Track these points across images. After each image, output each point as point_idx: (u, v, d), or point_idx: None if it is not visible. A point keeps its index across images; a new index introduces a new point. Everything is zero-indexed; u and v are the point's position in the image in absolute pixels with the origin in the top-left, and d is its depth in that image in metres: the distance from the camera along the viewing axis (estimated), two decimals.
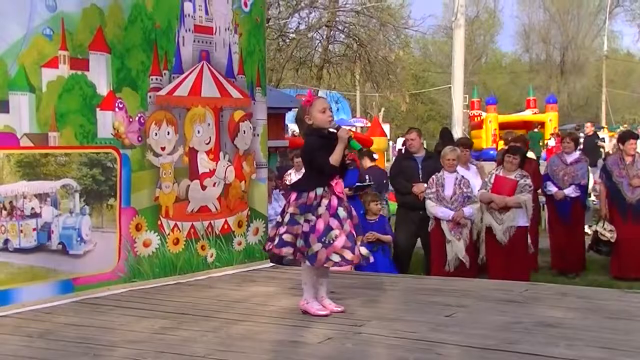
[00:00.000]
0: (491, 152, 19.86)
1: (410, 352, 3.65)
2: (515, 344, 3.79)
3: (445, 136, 9.61)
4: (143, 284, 5.45)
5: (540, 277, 7.55)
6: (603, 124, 34.95)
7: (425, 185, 7.26)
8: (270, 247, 4.54)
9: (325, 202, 4.41)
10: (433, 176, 7.16)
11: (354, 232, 4.45)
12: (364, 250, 4.50)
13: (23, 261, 4.80)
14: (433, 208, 7.05)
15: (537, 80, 44.62)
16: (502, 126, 21.23)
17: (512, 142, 8.64)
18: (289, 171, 9.36)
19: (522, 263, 7.10)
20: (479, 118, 22.73)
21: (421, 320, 4.34)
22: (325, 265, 4.40)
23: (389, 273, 6.80)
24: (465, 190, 7.01)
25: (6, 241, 4.72)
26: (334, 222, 4.38)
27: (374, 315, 4.49)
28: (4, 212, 4.72)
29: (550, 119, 22.18)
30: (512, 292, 5.19)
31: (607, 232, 8.26)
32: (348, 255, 4.37)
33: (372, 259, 4.66)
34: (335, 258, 4.36)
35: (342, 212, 4.44)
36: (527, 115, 23.07)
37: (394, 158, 9.61)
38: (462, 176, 7.19)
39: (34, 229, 4.87)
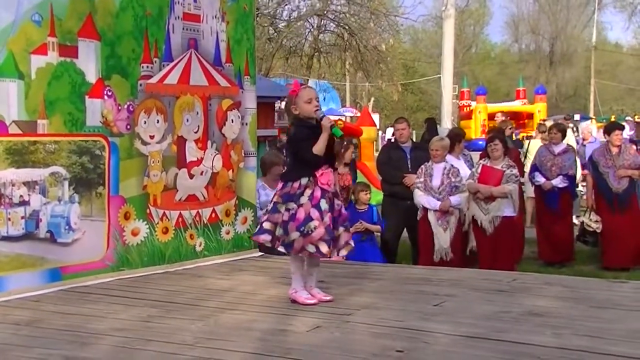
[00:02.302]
0: (480, 142, 19.88)
1: (398, 341, 3.67)
2: (503, 332, 3.82)
3: (431, 126, 9.63)
4: (131, 272, 5.44)
5: (527, 267, 7.60)
6: (591, 114, 35.08)
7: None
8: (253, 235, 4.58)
9: (308, 192, 4.42)
10: (422, 166, 7.17)
11: (332, 226, 4.44)
12: (343, 253, 4.58)
13: (11, 249, 4.78)
14: (420, 198, 7.07)
15: (526, 71, 44.68)
16: (492, 117, 21.26)
17: (490, 132, 8.70)
18: None
19: (509, 253, 7.14)
20: (468, 108, 22.74)
21: (409, 310, 4.37)
22: (300, 254, 4.43)
23: (377, 263, 6.82)
24: (453, 179, 7.02)
25: None
26: (314, 213, 4.39)
27: (363, 304, 4.50)
28: None
29: (539, 109, 22.22)
30: (500, 281, 5.22)
31: (593, 222, 8.32)
32: (323, 248, 4.38)
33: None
34: (311, 249, 4.38)
35: (324, 204, 4.43)
36: (516, 105, 23.09)
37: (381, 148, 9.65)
38: (452, 165, 7.20)
39: (22, 217, 4.85)
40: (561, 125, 9.54)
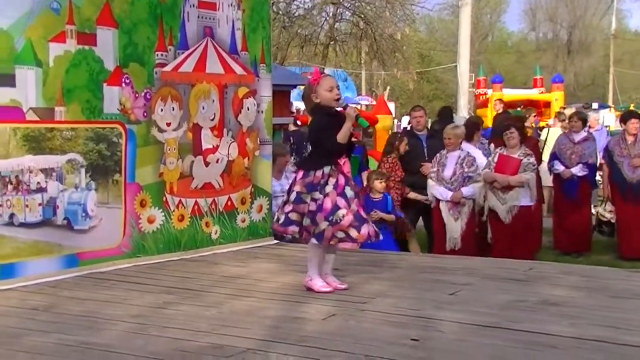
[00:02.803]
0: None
1: (413, 330, 3.67)
2: (518, 322, 3.80)
3: (444, 115, 9.57)
4: (147, 259, 5.47)
5: (544, 257, 7.56)
6: (610, 103, 34.76)
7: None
8: (276, 225, 4.55)
9: (332, 180, 4.41)
10: (437, 155, 7.13)
11: (361, 212, 4.45)
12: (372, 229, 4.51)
13: (28, 236, 4.82)
14: (432, 188, 7.04)
15: (543, 60, 44.30)
16: (508, 105, 21.12)
17: (506, 122, 8.64)
18: None
19: (526, 243, 7.10)
20: (484, 97, 22.60)
21: (424, 298, 4.36)
22: (331, 242, 4.42)
23: (392, 251, 6.81)
24: (467, 169, 6.96)
25: (12, 215, 4.74)
26: (341, 202, 4.39)
27: (378, 293, 4.50)
28: (10, 187, 4.73)
29: (556, 98, 22.05)
30: (517, 271, 5.20)
31: (607, 212, 8.27)
32: (353, 233, 4.38)
33: (381, 237, 4.67)
34: (340, 235, 4.38)
35: (349, 191, 4.44)
36: (534, 94, 22.92)
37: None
38: (468, 153, 7.13)
39: (40, 204, 4.88)
40: (582, 113, 9.47)
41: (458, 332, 3.65)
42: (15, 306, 4.23)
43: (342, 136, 4.39)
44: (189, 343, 3.47)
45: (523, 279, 4.94)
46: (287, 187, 4.74)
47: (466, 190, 6.93)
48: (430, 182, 7.06)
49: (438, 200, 7.05)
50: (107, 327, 3.77)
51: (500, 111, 13.81)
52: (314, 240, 4.41)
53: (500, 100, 16.46)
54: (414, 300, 4.32)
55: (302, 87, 4.72)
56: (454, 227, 6.92)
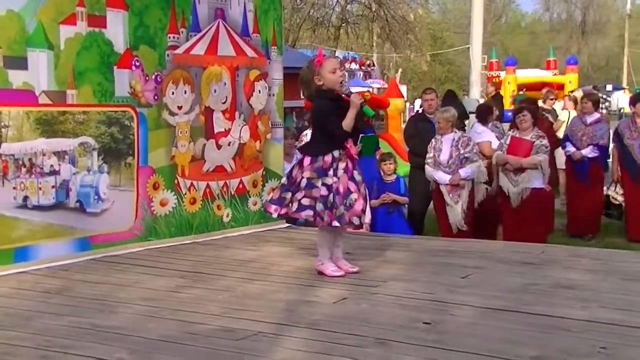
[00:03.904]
0: (509, 113, 19.65)
1: (425, 313, 3.67)
2: (531, 305, 3.79)
3: (448, 99, 9.51)
4: (159, 242, 5.48)
5: (555, 239, 7.52)
6: (624, 84, 34.47)
7: None
8: (286, 211, 4.51)
9: (342, 165, 4.41)
10: (432, 140, 7.10)
11: (367, 196, 4.50)
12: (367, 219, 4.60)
13: (42, 218, 4.84)
14: (430, 172, 7.03)
15: (557, 41, 43.94)
16: (521, 87, 20.97)
17: (519, 104, 8.60)
18: (305, 132, 9.31)
19: (538, 225, 7.06)
20: (497, 79, 22.46)
21: (436, 282, 4.35)
22: (348, 227, 4.46)
23: (404, 234, 6.80)
24: (462, 150, 6.91)
25: (25, 198, 4.76)
26: (352, 186, 4.41)
27: (389, 276, 4.50)
28: (23, 169, 4.74)
29: (570, 80, 21.88)
30: (529, 254, 5.18)
31: (620, 195, 8.21)
32: (365, 218, 4.41)
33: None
34: (356, 221, 4.41)
35: (357, 175, 4.46)
36: (547, 76, 22.75)
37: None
38: (462, 135, 7.09)
39: (53, 187, 4.90)
40: (593, 94, 9.37)
41: (470, 316, 3.65)
42: (29, 289, 4.26)
43: (347, 123, 4.36)
44: (201, 326, 3.49)
45: (535, 262, 4.92)
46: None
47: (464, 172, 6.89)
48: (427, 167, 7.04)
49: (437, 184, 7.03)
50: (120, 310, 3.79)
51: (493, 94, 13.72)
52: (335, 223, 4.38)
53: (492, 82, 16.34)
54: (426, 283, 4.31)
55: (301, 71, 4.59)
56: (456, 209, 6.91)
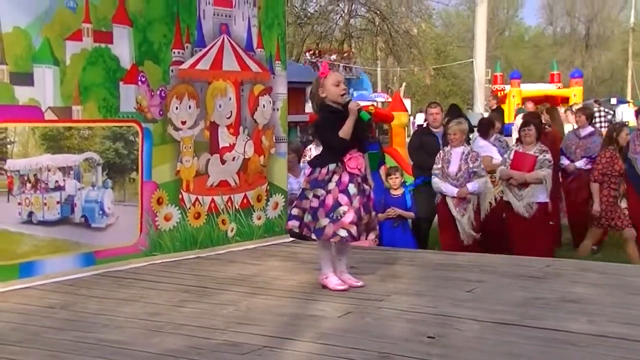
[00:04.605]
0: (512, 127, 19.64)
1: (429, 327, 3.66)
2: (536, 319, 3.78)
3: (453, 112, 9.52)
4: (164, 257, 5.49)
5: (561, 253, 7.50)
6: (628, 98, 34.46)
7: None
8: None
9: (336, 177, 4.41)
10: (440, 151, 7.11)
11: (362, 210, 4.42)
12: (372, 236, 4.56)
13: (46, 234, 4.85)
14: (438, 184, 7.02)
15: (560, 54, 44.03)
16: (526, 101, 21.02)
17: (524, 118, 8.60)
18: (309, 146, 9.33)
19: (544, 239, 7.04)
20: (502, 93, 22.48)
21: (441, 296, 4.34)
22: (332, 239, 4.41)
23: (409, 248, 6.79)
24: (471, 165, 6.91)
25: (30, 214, 4.78)
26: (343, 199, 4.37)
27: (394, 290, 4.49)
28: (29, 185, 4.76)
29: (575, 93, 21.89)
30: (533, 267, 5.16)
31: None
32: (354, 231, 4.37)
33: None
34: (343, 233, 4.36)
35: (352, 188, 4.41)
36: (552, 89, 22.76)
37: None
38: (471, 149, 7.10)
39: (58, 202, 4.92)
40: (587, 109, 9.44)
41: (475, 330, 3.64)
42: (34, 304, 4.26)
43: (344, 132, 4.38)
44: (205, 341, 3.49)
45: (540, 276, 4.91)
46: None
47: (472, 186, 6.89)
48: (435, 178, 7.03)
49: (443, 196, 7.02)
50: (124, 325, 3.79)
51: (494, 107, 13.71)
52: (313, 236, 4.42)
53: (495, 96, 16.36)
54: (430, 297, 4.30)
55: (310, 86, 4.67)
56: (464, 222, 6.90)
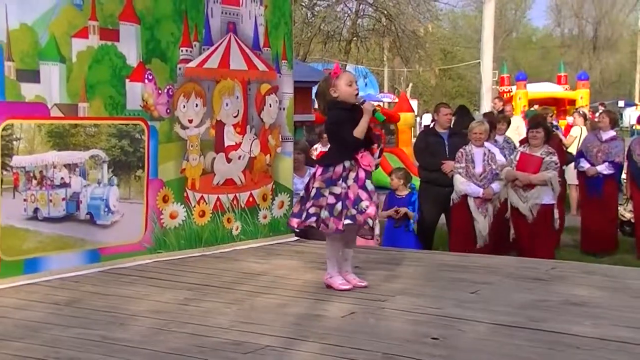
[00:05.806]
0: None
1: (433, 328, 3.65)
2: (540, 322, 3.77)
3: (462, 113, 9.50)
4: (169, 255, 5.49)
5: (567, 255, 7.49)
6: (636, 100, 34.37)
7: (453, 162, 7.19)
8: (296, 223, 4.55)
9: (352, 174, 4.42)
10: (461, 150, 7.06)
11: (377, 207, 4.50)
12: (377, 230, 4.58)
13: (52, 230, 4.86)
14: (462, 184, 6.96)
15: (568, 56, 43.94)
16: (532, 103, 20.95)
17: (532, 119, 8.58)
18: (315, 145, 9.33)
19: (547, 241, 7.03)
20: (508, 94, 22.41)
21: (445, 297, 4.33)
22: (364, 226, 4.42)
23: (413, 249, 6.78)
24: (493, 166, 6.94)
25: (36, 210, 4.79)
26: (363, 194, 4.40)
27: (398, 291, 4.49)
28: (34, 182, 4.77)
29: (582, 96, 21.83)
30: (538, 270, 5.15)
31: (627, 212, 8.16)
32: (377, 228, 4.44)
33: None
34: (371, 223, 4.41)
35: (369, 184, 4.46)
36: (559, 91, 22.68)
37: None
38: (489, 150, 7.09)
39: (63, 199, 4.93)
40: (611, 112, 9.36)
41: (479, 331, 3.63)
42: (38, 300, 4.27)
43: (359, 131, 4.40)
44: (209, 339, 3.49)
45: (545, 278, 4.90)
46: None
47: (496, 187, 6.91)
48: (459, 178, 6.96)
49: (462, 198, 6.99)
50: (129, 323, 3.79)
51: (500, 109, 13.69)
52: (347, 221, 4.34)
53: (500, 97, 16.32)
54: (435, 298, 4.30)
55: (317, 85, 4.69)
56: (484, 224, 6.88)
